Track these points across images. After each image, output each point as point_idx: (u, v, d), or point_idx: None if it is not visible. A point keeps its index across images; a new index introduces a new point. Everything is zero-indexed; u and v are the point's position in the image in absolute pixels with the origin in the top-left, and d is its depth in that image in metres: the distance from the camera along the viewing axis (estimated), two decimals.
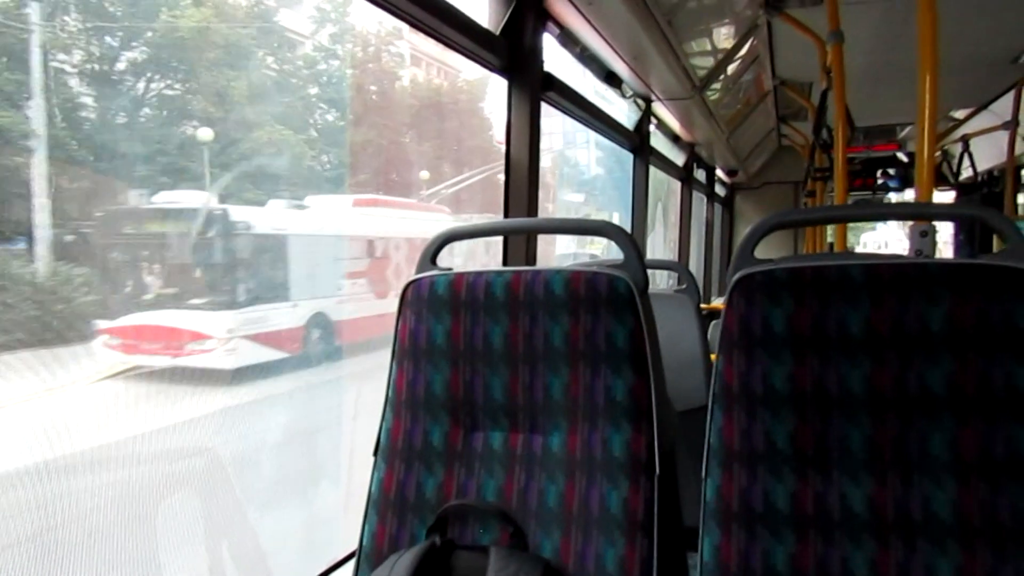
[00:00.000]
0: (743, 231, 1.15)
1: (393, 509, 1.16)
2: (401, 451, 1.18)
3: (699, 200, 6.72)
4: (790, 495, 0.98)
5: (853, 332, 0.98)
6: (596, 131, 3.41)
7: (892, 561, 0.94)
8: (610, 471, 1.06)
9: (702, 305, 2.35)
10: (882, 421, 0.97)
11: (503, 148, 2.28)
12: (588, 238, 5.38)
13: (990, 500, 0.91)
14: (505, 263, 2.28)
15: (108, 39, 2.27)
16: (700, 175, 6.33)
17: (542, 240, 3.11)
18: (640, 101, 3.92)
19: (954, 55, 4.22)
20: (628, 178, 4.15)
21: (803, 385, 1.00)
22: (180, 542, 1.93)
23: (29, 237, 1.82)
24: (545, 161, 6.28)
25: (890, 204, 5.91)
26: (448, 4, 1.87)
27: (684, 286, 2.26)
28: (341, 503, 2.95)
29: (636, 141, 3.96)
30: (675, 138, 5.14)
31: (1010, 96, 5.45)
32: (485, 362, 1.15)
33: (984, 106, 5.98)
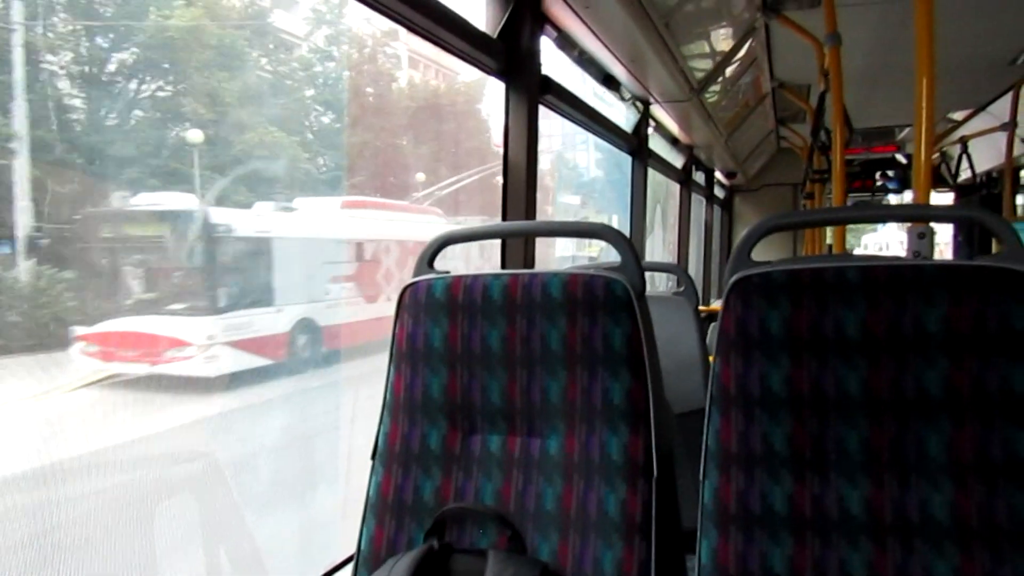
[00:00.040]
0: (742, 233, 1.15)
1: (391, 513, 1.16)
2: (399, 454, 1.18)
3: (698, 202, 6.73)
4: (788, 497, 0.98)
5: (850, 334, 0.98)
6: (594, 134, 3.41)
7: (890, 563, 0.93)
8: (608, 474, 1.06)
9: (701, 307, 2.35)
10: (879, 423, 0.96)
11: (497, 149, 2.29)
12: (587, 241, 5.37)
13: (987, 502, 0.91)
14: (503, 266, 2.28)
15: (96, 39, 2.25)
16: (699, 177, 6.33)
17: (541, 243, 3.10)
18: (638, 104, 3.92)
19: (952, 57, 4.23)
20: (627, 180, 4.16)
21: (800, 387, 1.00)
22: (147, 560, 1.86)
23: (10, 240, 1.80)
24: (544, 163, 6.29)
25: (887, 206, 5.91)
26: (445, 8, 1.87)
27: (682, 288, 2.26)
28: (325, 519, 2.87)
29: (634, 144, 3.96)
30: (674, 141, 5.14)
31: (1008, 98, 5.45)
32: (483, 365, 1.15)
33: (982, 108, 5.99)
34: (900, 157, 6.51)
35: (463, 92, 5.24)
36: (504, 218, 2.28)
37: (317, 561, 1.73)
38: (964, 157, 6.57)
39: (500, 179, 2.31)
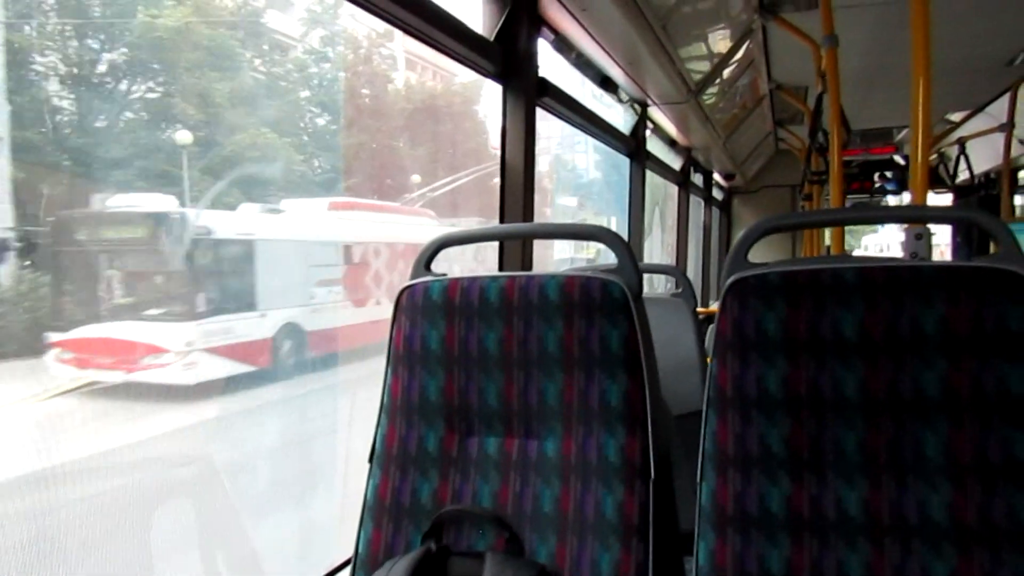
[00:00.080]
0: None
1: (388, 515, 1.16)
2: (396, 457, 1.18)
3: (696, 204, 6.73)
4: (785, 499, 0.98)
5: (847, 335, 0.98)
6: (592, 136, 3.42)
7: (887, 564, 0.93)
8: (605, 476, 1.06)
9: (699, 309, 2.35)
10: (876, 424, 0.96)
11: (489, 150, 2.29)
12: (586, 242, 5.36)
13: (985, 503, 0.91)
14: (501, 268, 2.28)
15: (85, 40, 2.22)
16: (697, 179, 6.34)
17: (539, 245, 3.09)
18: (636, 106, 3.93)
19: (949, 58, 4.23)
20: (626, 182, 4.16)
21: (797, 388, 0.99)
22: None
23: None
24: (543, 165, 6.29)
25: (883, 207, 5.91)
26: (442, 11, 1.87)
27: (681, 290, 2.27)
28: (308, 534, 2.77)
29: (632, 146, 3.96)
30: (672, 142, 5.15)
31: (1006, 99, 5.46)
32: (480, 367, 1.15)
33: (980, 109, 5.99)
34: (898, 158, 6.52)
35: (456, 92, 5.23)
36: (501, 220, 2.28)
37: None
38: (962, 158, 6.58)
39: (494, 179, 2.31)
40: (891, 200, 7.01)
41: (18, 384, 1.89)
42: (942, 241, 8.50)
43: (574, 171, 7.70)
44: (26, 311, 1.93)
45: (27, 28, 1.97)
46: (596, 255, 5.60)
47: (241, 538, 2.52)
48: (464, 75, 5.04)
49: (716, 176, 7.31)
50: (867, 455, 0.97)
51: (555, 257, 5.72)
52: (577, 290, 1.10)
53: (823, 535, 0.96)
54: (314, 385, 3.50)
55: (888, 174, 6.54)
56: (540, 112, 2.42)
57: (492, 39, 2.16)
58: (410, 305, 1.19)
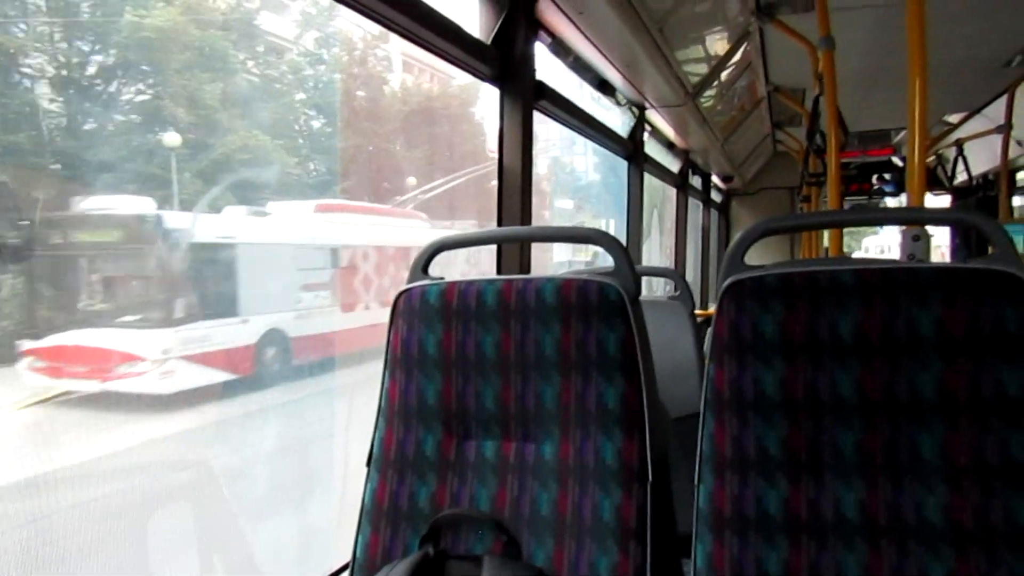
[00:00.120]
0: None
1: (386, 519, 1.16)
2: (394, 461, 1.18)
3: (695, 206, 6.74)
4: (782, 500, 0.98)
5: (843, 337, 0.98)
6: (589, 139, 3.42)
7: (885, 565, 0.93)
8: (603, 479, 1.05)
9: (698, 311, 2.35)
10: (873, 426, 0.96)
11: (487, 152, 2.28)
12: (586, 245, 5.34)
13: (982, 504, 0.91)
14: (499, 271, 2.28)
15: (74, 41, 2.18)
16: (696, 182, 6.34)
17: (539, 247, 3.08)
18: (634, 108, 3.93)
19: (946, 60, 4.24)
20: (624, 185, 4.16)
21: (794, 390, 0.99)
22: None
23: None
24: (541, 167, 6.29)
25: (879, 209, 5.91)
26: (439, 14, 1.87)
27: (679, 293, 2.27)
28: (289, 550, 2.68)
29: (630, 148, 3.97)
30: (670, 145, 5.15)
31: (1003, 100, 5.47)
32: (477, 371, 1.15)
33: (977, 110, 6.00)
34: (896, 160, 6.53)
35: (457, 96, 5.23)
36: (499, 224, 2.28)
37: None
38: (960, 160, 6.58)
39: (491, 182, 2.30)
40: (890, 202, 7.01)
41: None
42: (944, 243, 8.50)
43: (573, 174, 7.71)
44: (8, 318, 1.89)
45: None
46: (593, 257, 5.60)
47: (217, 556, 2.46)
48: (462, 77, 5.04)
49: (714, 178, 7.32)
50: (864, 457, 0.97)
51: (554, 260, 5.72)
52: (574, 293, 1.10)
53: (821, 537, 0.96)
54: (299, 393, 3.38)
55: (886, 176, 6.54)
56: (538, 115, 2.42)
57: (489, 43, 2.16)
58: (407, 309, 1.19)
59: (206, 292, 2.91)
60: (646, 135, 4.19)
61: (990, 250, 0.99)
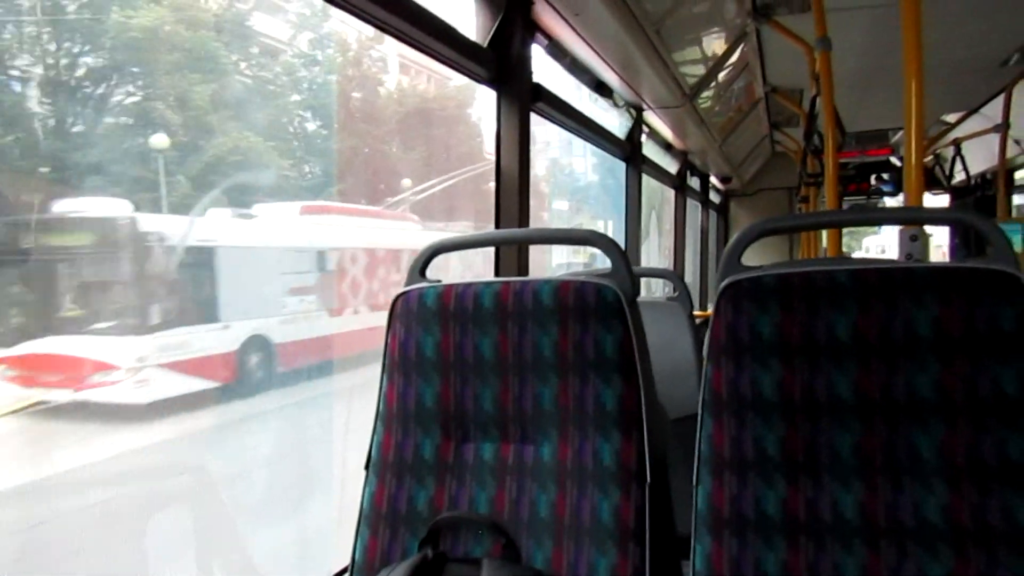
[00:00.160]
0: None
1: (385, 523, 1.16)
2: (392, 464, 1.18)
3: (694, 207, 6.74)
4: (781, 502, 0.98)
5: (841, 337, 0.98)
6: (587, 140, 3.42)
7: (884, 566, 0.93)
8: (601, 480, 1.05)
9: (697, 312, 2.35)
10: (871, 426, 0.96)
11: (484, 154, 2.28)
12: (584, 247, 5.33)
13: (981, 504, 0.91)
14: (497, 273, 2.28)
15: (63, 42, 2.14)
16: (694, 183, 6.34)
17: (537, 249, 3.07)
18: (631, 110, 3.93)
19: (944, 59, 4.24)
20: (622, 186, 4.17)
21: (792, 391, 0.99)
22: None
23: None
24: (540, 169, 6.29)
25: (876, 209, 5.92)
26: (435, 17, 1.87)
27: (677, 294, 2.27)
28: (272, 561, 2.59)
29: (628, 150, 3.97)
30: (668, 146, 5.16)
31: (1000, 99, 5.47)
32: (475, 373, 1.15)
33: (975, 110, 6.01)
34: (894, 160, 6.53)
35: (454, 97, 5.22)
36: (497, 226, 2.28)
37: None
38: (958, 159, 6.59)
39: (488, 183, 2.30)
40: (888, 202, 7.02)
41: None
42: (944, 243, 8.50)
43: (571, 175, 7.71)
44: None
45: None
46: (591, 259, 5.61)
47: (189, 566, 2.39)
48: (458, 78, 5.03)
49: (713, 179, 7.32)
50: (862, 457, 0.96)
51: (553, 262, 5.73)
52: (571, 295, 1.10)
53: (819, 538, 0.96)
54: (283, 401, 3.27)
55: (884, 176, 6.55)
56: (536, 116, 2.42)
57: (486, 45, 2.16)
58: (405, 311, 1.19)
59: (185, 297, 2.83)
60: (644, 136, 4.19)
61: (988, 249, 0.99)
